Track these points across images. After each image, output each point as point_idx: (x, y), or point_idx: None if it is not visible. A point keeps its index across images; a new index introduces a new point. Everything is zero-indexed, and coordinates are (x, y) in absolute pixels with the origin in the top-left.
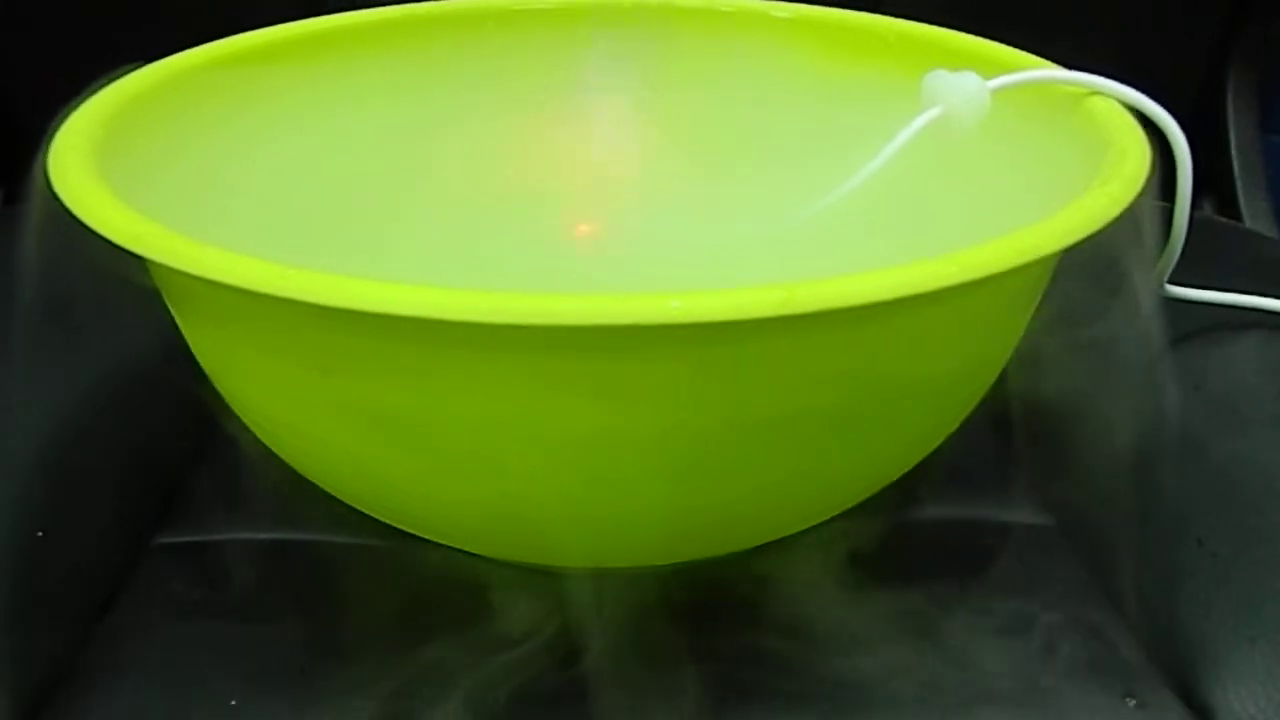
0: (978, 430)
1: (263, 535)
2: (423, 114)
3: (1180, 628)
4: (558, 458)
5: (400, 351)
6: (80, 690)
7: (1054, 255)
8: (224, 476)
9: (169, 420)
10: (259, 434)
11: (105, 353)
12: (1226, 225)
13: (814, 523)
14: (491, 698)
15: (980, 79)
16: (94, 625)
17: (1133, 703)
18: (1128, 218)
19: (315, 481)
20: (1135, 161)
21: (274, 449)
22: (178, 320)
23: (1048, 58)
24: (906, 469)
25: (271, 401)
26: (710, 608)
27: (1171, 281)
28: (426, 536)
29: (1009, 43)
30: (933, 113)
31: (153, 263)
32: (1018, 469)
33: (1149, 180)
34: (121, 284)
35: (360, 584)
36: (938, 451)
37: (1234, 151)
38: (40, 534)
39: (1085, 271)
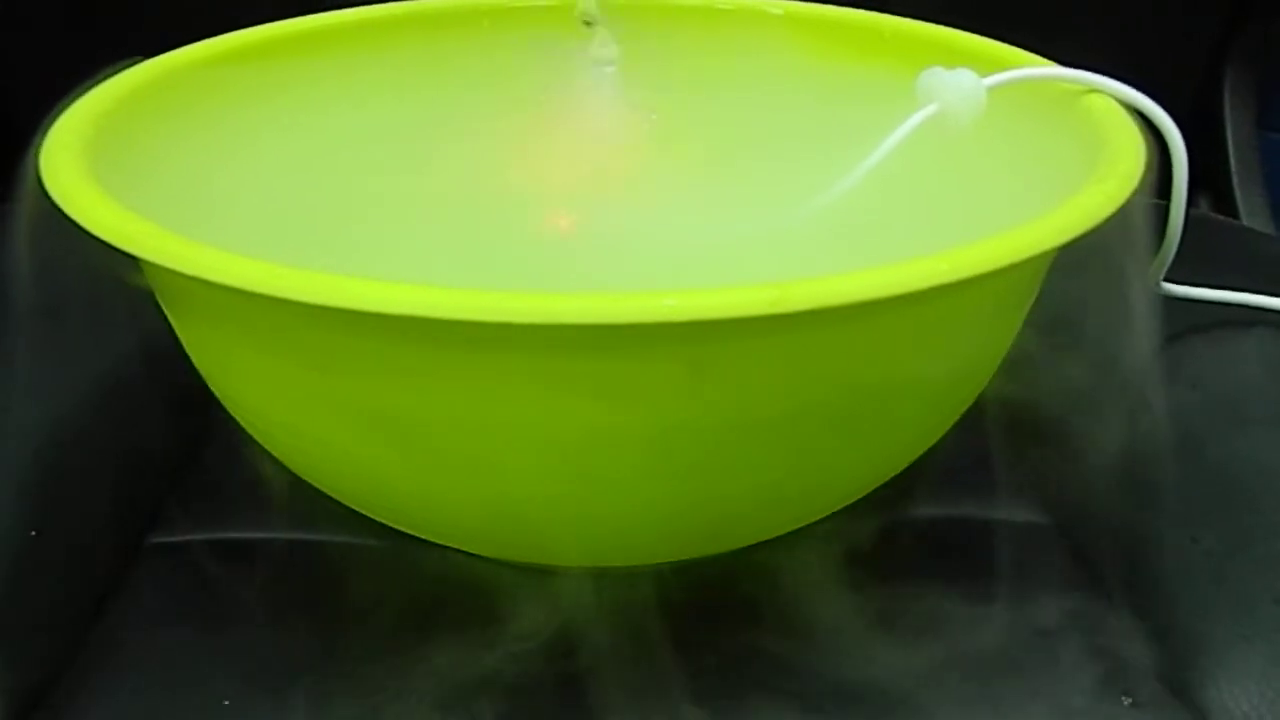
0: (974, 428)
1: (258, 535)
2: (419, 112)
3: (1176, 626)
4: (553, 456)
5: (394, 350)
6: (75, 690)
7: (1048, 253)
8: (219, 476)
9: (164, 420)
10: (254, 434)
11: (99, 352)
12: (1223, 223)
13: (810, 520)
14: (490, 698)
15: (976, 76)
16: (89, 625)
17: (1128, 701)
18: (1124, 215)
19: (311, 481)
20: (1130, 159)
21: (269, 449)
22: (172, 320)
23: (1045, 55)
24: (902, 467)
25: (266, 401)
26: (707, 606)
27: (1168, 279)
28: (424, 536)
29: (1006, 40)
30: (928, 110)
31: (146, 262)
32: (1014, 467)
33: (1145, 178)
34: (115, 283)
35: (357, 584)
36: (934, 449)
37: (1231, 149)
38: (34, 533)
39: (1081, 269)
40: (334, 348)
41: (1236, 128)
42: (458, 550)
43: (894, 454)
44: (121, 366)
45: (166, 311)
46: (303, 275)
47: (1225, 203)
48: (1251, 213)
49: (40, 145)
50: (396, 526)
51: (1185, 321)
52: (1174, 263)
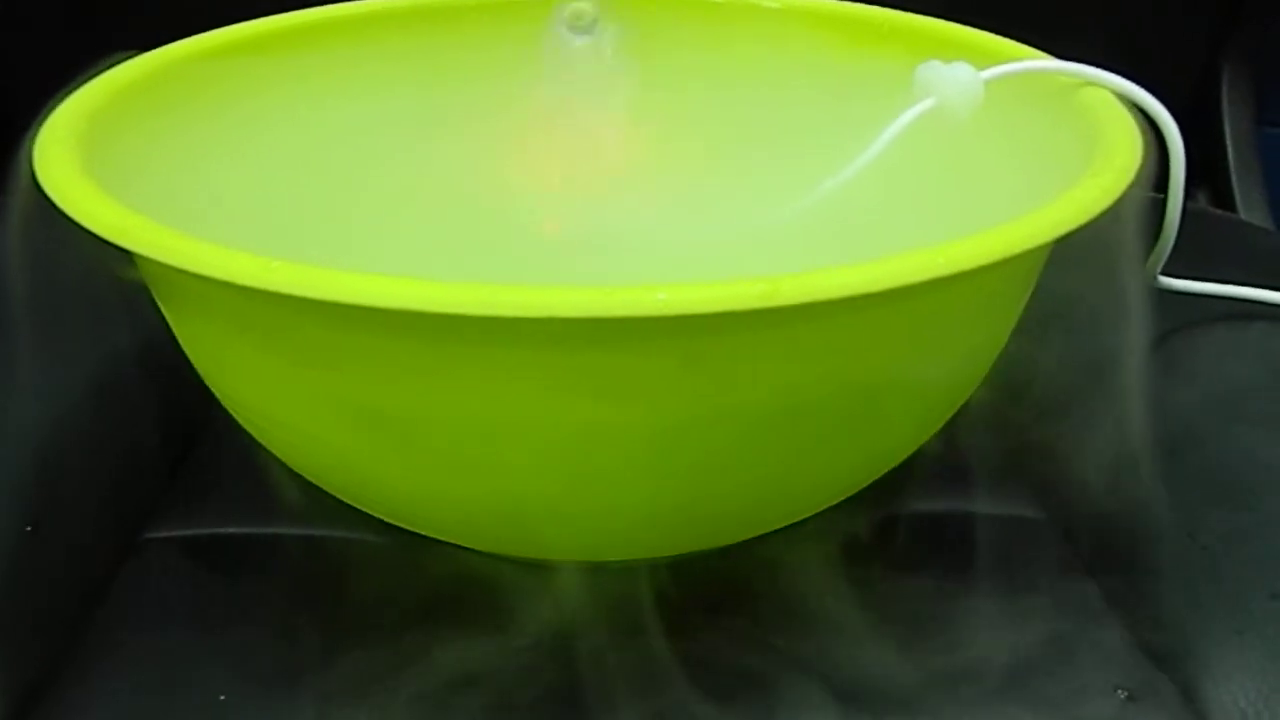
0: (969, 422)
1: (254, 530)
2: (414, 107)
3: (1171, 621)
4: (546, 451)
5: (386, 345)
6: (71, 685)
7: (1044, 247)
8: (215, 471)
9: (160, 415)
10: (249, 428)
11: (95, 348)
12: (1221, 217)
13: (805, 516)
14: (488, 693)
15: (973, 69)
16: (85, 622)
17: (1123, 695)
18: (1120, 208)
19: (308, 477)
20: (1127, 153)
21: (264, 443)
22: (167, 316)
23: (1043, 49)
24: (897, 462)
25: (260, 396)
26: (703, 601)
27: (1165, 273)
28: (419, 531)
29: (1003, 34)
30: (926, 104)
31: (140, 257)
32: (1009, 462)
33: (1142, 171)
34: (110, 279)
35: (354, 580)
36: (929, 444)
37: (1229, 143)
38: (29, 529)
39: (1077, 262)
40: (327, 343)
41: (1234, 122)
42: (455, 546)
43: (889, 449)
44: (117, 362)
45: (161, 307)
46: (296, 269)
47: (1223, 197)
48: (1249, 207)
49: (34, 139)
50: (393, 522)
51: (1182, 316)
52: (1171, 257)
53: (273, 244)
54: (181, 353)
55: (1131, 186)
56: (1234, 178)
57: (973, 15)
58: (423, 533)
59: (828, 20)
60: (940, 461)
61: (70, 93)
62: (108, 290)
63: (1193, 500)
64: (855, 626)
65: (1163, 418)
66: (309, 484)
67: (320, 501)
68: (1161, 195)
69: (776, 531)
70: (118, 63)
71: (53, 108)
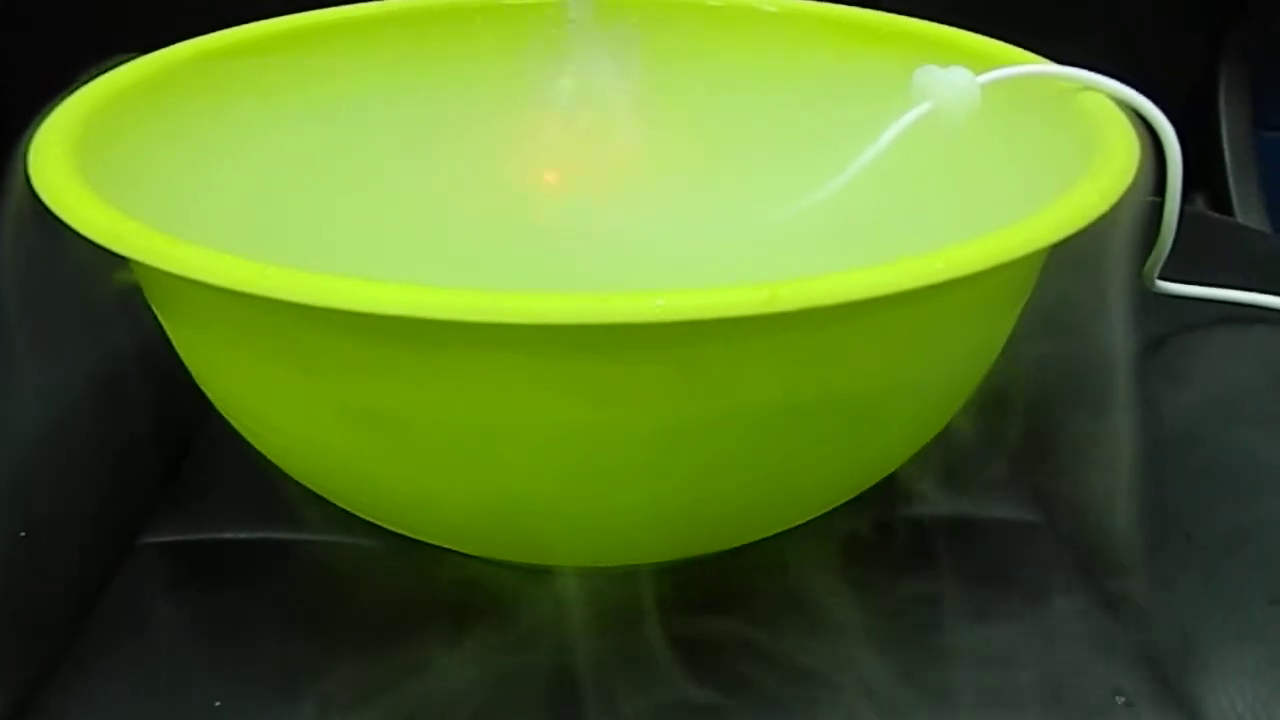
0: (966, 426)
1: (250, 535)
2: (413, 111)
3: (1170, 625)
4: (545, 456)
5: (384, 351)
6: (66, 691)
7: (1042, 251)
8: (211, 476)
9: (155, 418)
10: (245, 434)
11: (90, 352)
12: (1218, 221)
13: (803, 520)
14: (484, 698)
15: (970, 74)
16: (79, 626)
17: (1122, 700)
18: (1118, 212)
19: (302, 481)
20: (1125, 157)
21: (260, 448)
22: (162, 320)
23: (1040, 53)
24: (895, 466)
25: (257, 402)
26: (702, 605)
27: (1162, 277)
28: (417, 537)
29: (1000, 38)
30: (923, 108)
31: (135, 262)
32: (1008, 465)
33: (1140, 175)
34: (106, 283)
35: (349, 584)
36: (926, 448)
37: (1226, 147)
38: (23, 534)
39: (1075, 266)
40: (323, 348)
41: (1232, 125)
42: (448, 550)
43: (887, 453)
44: (112, 366)
45: (157, 312)
46: (292, 275)
47: (1221, 200)
48: (1247, 210)
49: (29, 143)
50: (389, 527)
51: (1180, 319)
52: (1169, 260)
53: (269, 249)
54: (177, 357)
55: (1129, 191)
56: (1231, 181)
57: (969, 19)
58: (419, 538)
59: (826, 24)
60: (938, 465)
61: (65, 96)
62: (103, 294)
63: (1191, 503)
64: (853, 630)
65: (1160, 421)
66: (305, 489)
67: (316, 506)
68: (1159, 199)
69: (775, 536)
70: (113, 66)
71: (48, 111)
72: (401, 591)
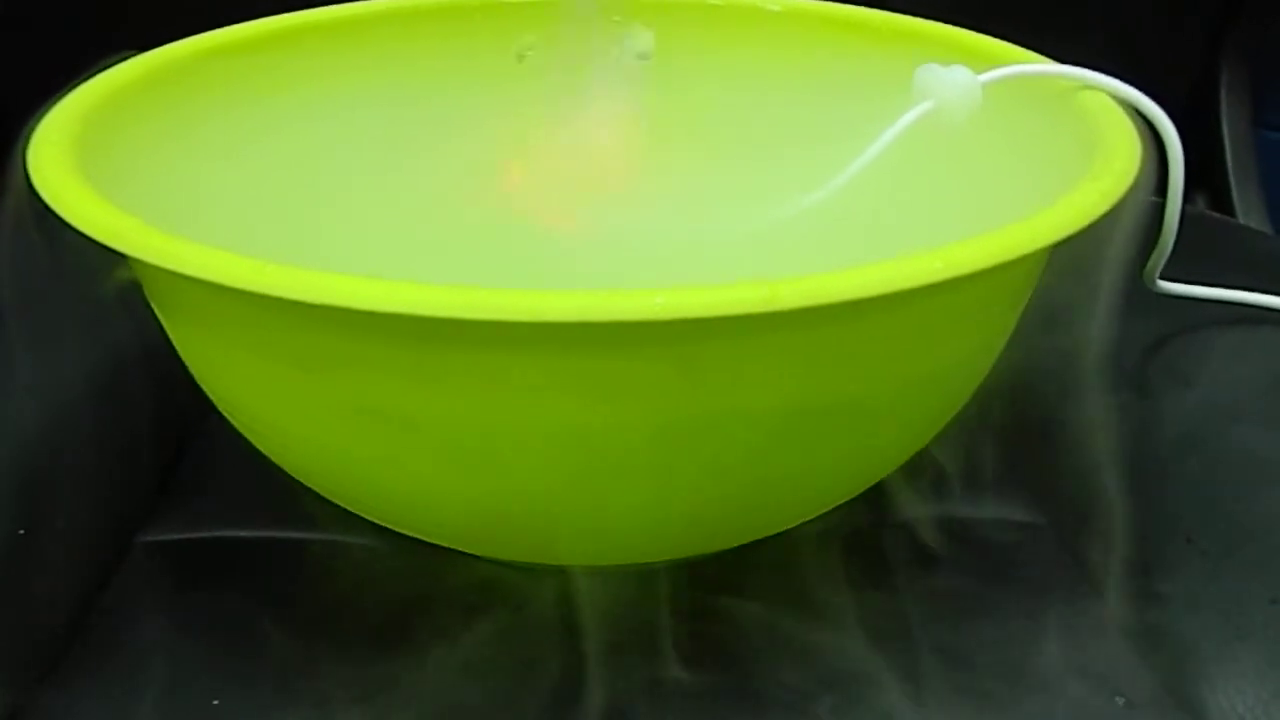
0: (967, 426)
1: (250, 534)
2: (415, 110)
3: (1170, 625)
4: (544, 455)
5: (383, 349)
6: (64, 689)
7: (1043, 251)
8: (210, 474)
9: (154, 417)
10: (245, 432)
11: (88, 350)
12: (1219, 221)
13: (801, 521)
14: (484, 696)
15: (972, 73)
16: (77, 625)
17: (1121, 701)
18: (1119, 212)
19: (302, 480)
20: (1126, 156)
21: (259, 446)
22: (161, 318)
23: (1041, 52)
24: (895, 466)
25: (254, 400)
26: (701, 605)
27: (1163, 277)
28: (414, 535)
29: (1002, 37)
30: (924, 107)
31: (134, 259)
32: (1007, 465)
33: (1141, 175)
34: (105, 280)
35: (348, 582)
36: (927, 448)
37: (1227, 147)
38: (22, 532)
39: (1076, 266)
40: (322, 346)
41: (1233, 125)
42: (448, 549)
43: (886, 453)
44: (111, 364)
45: (156, 310)
46: (290, 272)
47: (1222, 201)
48: (1248, 211)
49: (28, 141)
50: (388, 525)
51: (1181, 319)
52: (1170, 260)
53: (268, 247)
54: (176, 356)
55: (1130, 190)
56: (1232, 181)
57: (972, 18)
58: (419, 537)
59: (828, 23)
60: (938, 465)
61: (65, 94)
62: (102, 292)
63: (1192, 503)
64: (849, 632)
65: (1161, 420)
66: (304, 487)
67: (317, 506)
68: (1160, 199)
69: (772, 536)
70: (113, 64)
71: (47, 109)
72: (401, 591)
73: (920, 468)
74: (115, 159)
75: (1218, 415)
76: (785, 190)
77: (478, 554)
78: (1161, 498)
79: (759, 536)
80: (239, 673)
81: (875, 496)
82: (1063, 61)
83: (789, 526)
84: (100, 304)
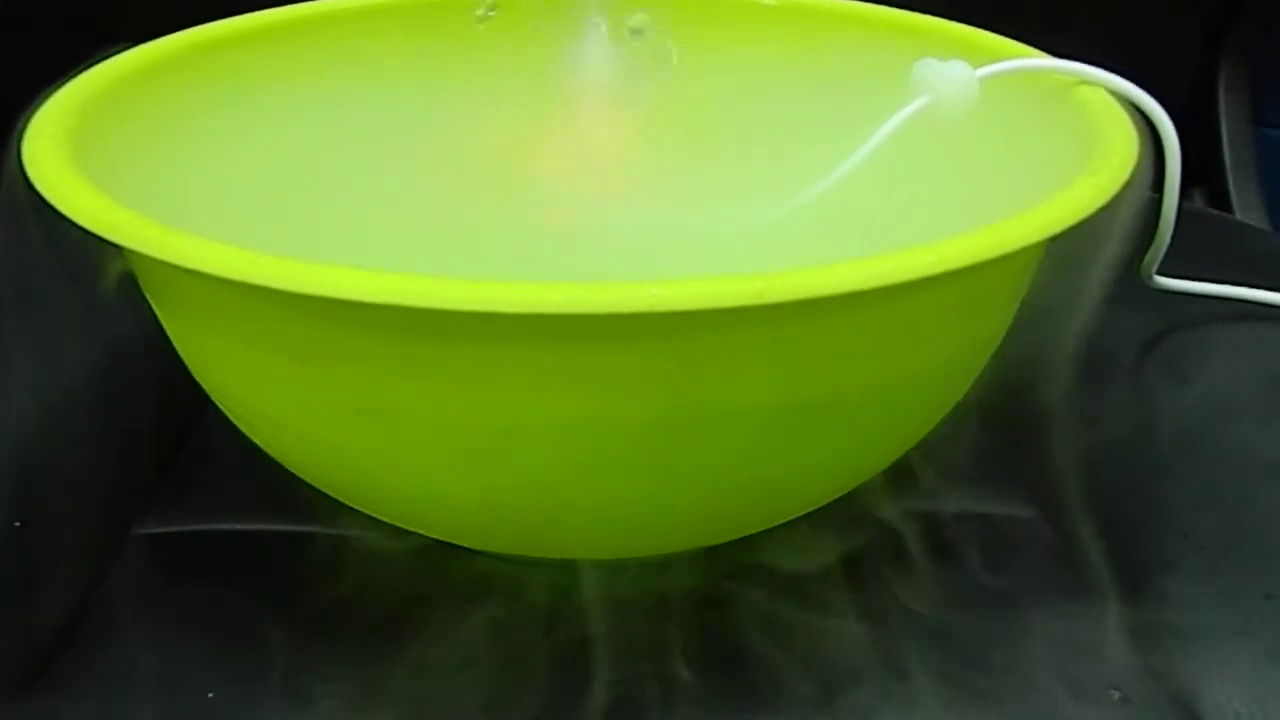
0: (964, 420)
1: (246, 527)
2: (414, 104)
3: (1167, 621)
4: (539, 448)
5: (377, 341)
6: (59, 683)
7: (1039, 245)
8: (207, 467)
9: (151, 410)
10: (240, 424)
11: (85, 342)
12: (1217, 217)
13: (796, 515)
14: (483, 692)
15: (969, 67)
16: (73, 618)
17: (1117, 696)
18: (1116, 207)
19: (298, 473)
20: (1123, 152)
21: (256, 439)
22: (156, 311)
23: (1040, 47)
24: (890, 460)
25: (250, 393)
26: (698, 599)
27: (1161, 273)
28: (411, 529)
29: (1000, 32)
30: (921, 101)
31: (130, 251)
32: (1004, 460)
33: (1138, 170)
34: (101, 273)
35: (346, 576)
36: (922, 443)
37: (1226, 143)
38: (18, 525)
39: (1073, 260)
40: (317, 338)
41: (1231, 122)
42: (447, 544)
43: (881, 448)
44: (108, 357)
45: (152, 303)
46: (286, 264)
47: (1220, 197)
48: (1246, 207)
49: (23, 132)
50: (385, 519)
51: (1178, 316)
52: (1168, 256)
53: (263, 239)
54: (172, 348)
55: (1128, 185)
56: (1230, 178)
57: (970, 13)
58: (416, 530)
59: (825, 17)
60: (933, 460)
61: (60, 86)
62: (98, 285)
63: (1188, 500)
64: (845, 628)
65: (1158, 416)
66: (301, 480)
67: (312, 498)
68: (1158, 195)
69: (767, 530)
70: (108, 56)
71: (42, 101)
72: (400, 585)
73: (918, 462)
74: (111, 151)
75: (1216, 412)
76: (783, 185)
77: (475, 548)
78: (1159, 494)
79: (754, 530)
80: (235, 666)
81: (874, 491)
82: (1061, 56)
83: (780, 521)
84: (97, 298)
